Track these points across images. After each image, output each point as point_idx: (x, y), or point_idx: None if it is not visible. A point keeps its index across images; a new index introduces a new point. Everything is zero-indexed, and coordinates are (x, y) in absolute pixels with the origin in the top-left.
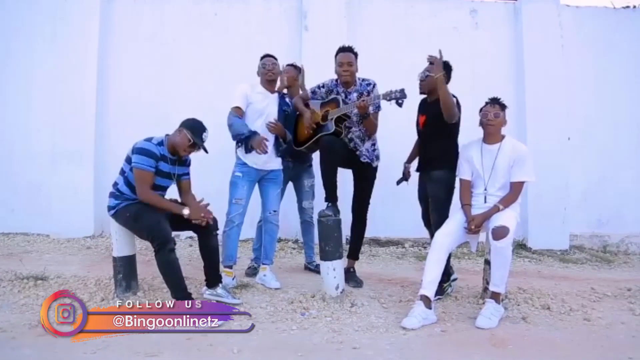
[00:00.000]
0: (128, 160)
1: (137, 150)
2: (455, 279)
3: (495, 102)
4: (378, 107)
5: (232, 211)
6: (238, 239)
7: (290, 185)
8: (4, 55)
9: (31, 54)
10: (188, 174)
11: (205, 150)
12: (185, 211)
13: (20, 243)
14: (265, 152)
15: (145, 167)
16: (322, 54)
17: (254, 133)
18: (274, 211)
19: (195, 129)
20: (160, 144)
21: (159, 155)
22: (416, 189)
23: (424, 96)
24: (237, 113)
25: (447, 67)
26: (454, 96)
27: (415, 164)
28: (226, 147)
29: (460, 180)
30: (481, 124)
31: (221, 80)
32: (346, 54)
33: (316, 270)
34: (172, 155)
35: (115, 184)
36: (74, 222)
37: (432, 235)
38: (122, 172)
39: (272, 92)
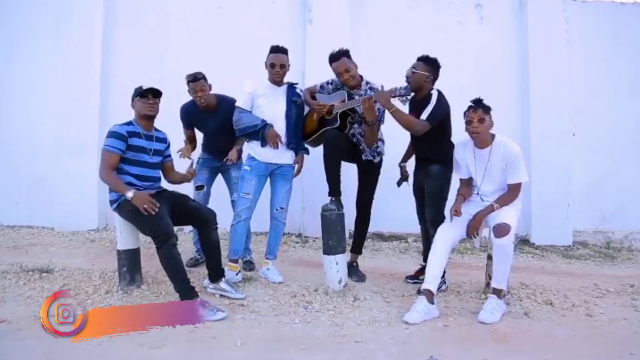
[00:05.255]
0: None
1: (107, 135)
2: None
3: (478, 104)
4: (380, 121)
5: (239, 205)
6: (245, 234)
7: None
8: (8, 47)
9: (35, 46)
10: (169, 156)
11: (157, 91)
12: (129, 194)
13: (25, 236)
14: (277, 148)
15: (109, 148)
16: (327, 48)
17: (267, 125)
18: (281, 208)
19: (135, 91)
20: (129, 123)
21: (125, 134)
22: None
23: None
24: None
25: (435, 65)
26: (438, 91)
27: (412, 161)
28: None
29: (460, 179)
30: (467, 131)
31: (224, 73)
32: (339, 63)
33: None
34: (147, 131)
35: None
36: (78, 215)
37: (424, 231)
38: None
39: (280, 85)
